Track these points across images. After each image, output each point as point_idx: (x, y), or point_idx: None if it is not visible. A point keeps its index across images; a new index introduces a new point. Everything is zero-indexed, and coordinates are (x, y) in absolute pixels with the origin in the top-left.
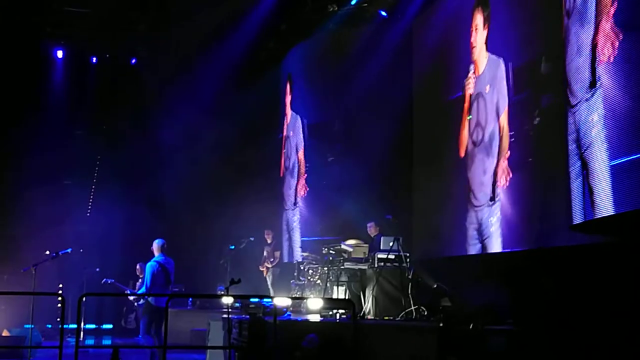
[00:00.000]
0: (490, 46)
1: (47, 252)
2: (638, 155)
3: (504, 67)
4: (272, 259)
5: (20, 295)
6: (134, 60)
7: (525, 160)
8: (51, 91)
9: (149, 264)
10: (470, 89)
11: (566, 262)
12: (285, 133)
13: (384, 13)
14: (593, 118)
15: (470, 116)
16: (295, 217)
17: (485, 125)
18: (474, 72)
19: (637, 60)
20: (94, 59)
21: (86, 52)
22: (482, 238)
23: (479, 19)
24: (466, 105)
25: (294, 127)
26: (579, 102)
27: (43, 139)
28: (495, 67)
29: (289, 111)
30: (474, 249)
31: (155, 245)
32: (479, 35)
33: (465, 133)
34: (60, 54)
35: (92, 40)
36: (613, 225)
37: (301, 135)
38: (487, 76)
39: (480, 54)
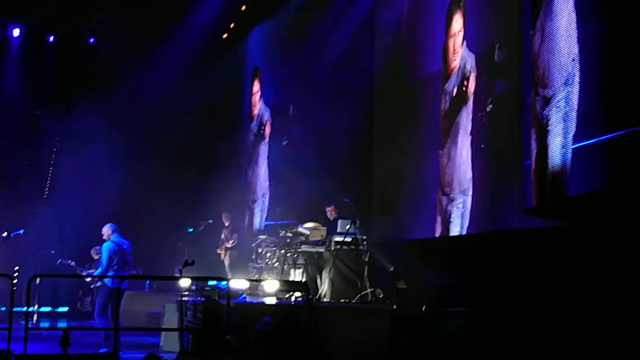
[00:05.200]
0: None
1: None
2: (594, 140)
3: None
4: (231, 240)
5: None
6: (92, 40)
7: (479, 146)
8: (7, 70)
9: (105, 244)
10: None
11: (519, 245)
12: (256, 130)
13: None
14: (559, 103)
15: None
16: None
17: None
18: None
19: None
20: (51, 38)
21: (43, 30)
22: (442, 222)
23: (456, 24)
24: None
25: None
26: (549, 89)
27: (0, 120)
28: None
29: (257, 104)
30: (431, 232)
31: (108, 229)
32: (458, 38)
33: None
34: (16, 32)
35: (48, 19)
36: (566, 209)
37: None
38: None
39: (458, 55)
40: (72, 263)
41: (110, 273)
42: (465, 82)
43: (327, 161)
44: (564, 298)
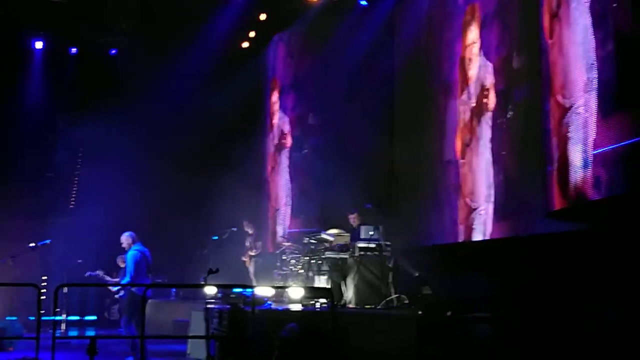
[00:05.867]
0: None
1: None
2: (614, 146)
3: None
4: (254, 249)
5: None
6: (113, 51)
7: (499, 153)
8: (31, 82)
9: (130, 253)
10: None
11: (543, 250)
12: (276, 140)
13: (364, 2)
14: (578, 110)
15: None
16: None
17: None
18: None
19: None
20: (74, 50)
21: (65, 43)
22: (465, 228)
23: (471, 34)
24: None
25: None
26: (568, 96)
27: (25, 132)
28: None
29: (276, 114)
30: (454, 238)
31: (128, 238)
32: (474, 48)
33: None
34: (39, 44)
35: (71, 31)
36: (589, 213)
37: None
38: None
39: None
40: (100, 273)
41: (138, 281)
42: (484, 92)
43: (348, 168)
44: (588, 302)
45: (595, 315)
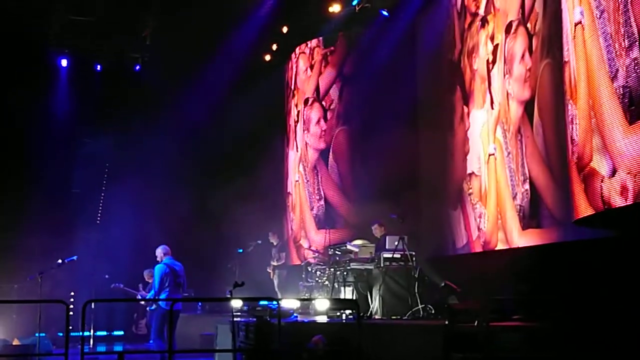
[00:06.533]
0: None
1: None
2: None
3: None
4: (277, 260)
5: (23, 303)
6: (137, 67)
7: (524, 162)
8: (57, 100)
9: (157, 267)
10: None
11: (572, 257)
12: (299, 153)
13: (385, 12)
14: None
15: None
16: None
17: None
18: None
19: None
20: (98, 67)
21: (90, 60)
22: (490, 237)
23: (490, 44)
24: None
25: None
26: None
27: (51, 148)
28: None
29: (299, 126)
30: (479, 246)
31: (160, 251)
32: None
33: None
34: (64, 62)
35: (95, 49)
36: (617, 219)
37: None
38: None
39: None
40: (120, 285)
41: (164, 295)
42: (507, 101)
43: (372, 179)
44: (620, 308)
45: (627, 322)
